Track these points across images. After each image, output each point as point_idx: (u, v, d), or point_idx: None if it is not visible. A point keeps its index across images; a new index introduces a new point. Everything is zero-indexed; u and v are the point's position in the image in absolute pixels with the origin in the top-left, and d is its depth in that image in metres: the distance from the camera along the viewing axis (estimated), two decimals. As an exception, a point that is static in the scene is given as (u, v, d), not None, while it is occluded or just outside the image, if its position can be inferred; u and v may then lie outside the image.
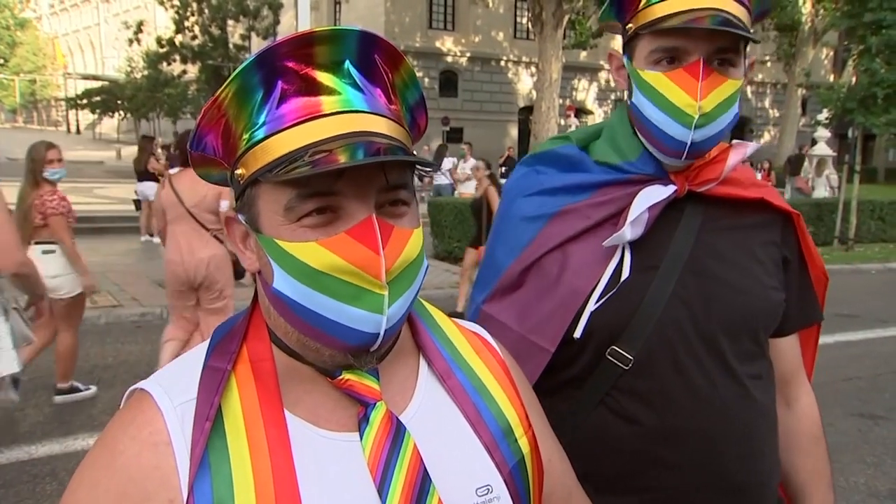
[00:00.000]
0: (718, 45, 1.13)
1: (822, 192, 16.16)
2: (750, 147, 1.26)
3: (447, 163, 15.51)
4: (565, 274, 1.23)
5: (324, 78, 0.73)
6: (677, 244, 1.22)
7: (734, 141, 1.27)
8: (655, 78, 1.17)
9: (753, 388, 1.22)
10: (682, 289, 1.19)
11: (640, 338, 1.18)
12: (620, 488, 1.20)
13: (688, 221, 1.24)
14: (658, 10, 1.17)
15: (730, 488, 1.20)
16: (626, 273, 1.19)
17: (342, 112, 0.73)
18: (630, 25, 1.23)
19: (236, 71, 0.72)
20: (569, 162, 1.32)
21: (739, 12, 1.15)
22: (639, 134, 1.25)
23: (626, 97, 1.29)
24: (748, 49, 1.21)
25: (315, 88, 0.73)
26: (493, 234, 1.40)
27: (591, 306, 1.19)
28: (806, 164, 17.25)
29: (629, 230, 1.18)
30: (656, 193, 1.20)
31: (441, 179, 15.58)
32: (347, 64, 0.74)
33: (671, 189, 1.21)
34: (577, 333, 1.20)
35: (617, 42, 1.31)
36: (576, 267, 1.23)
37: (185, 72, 30.68)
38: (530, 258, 1.27)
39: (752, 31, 1.18)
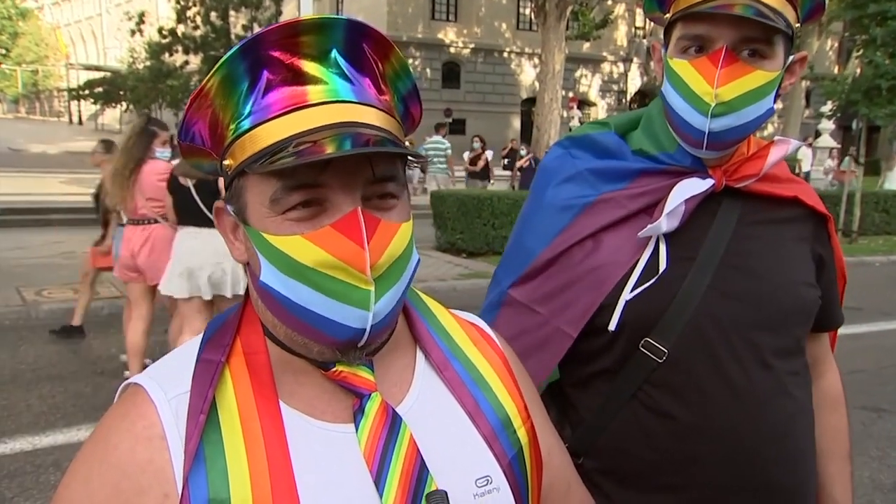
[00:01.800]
0: (745, 35, 1.10)
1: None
2: (793, 144, 1.23)
3: (487, 154, 16.34)
4: (596, 262, 1.21)
5: (310, 67, 0.73)
6: (714, 237, 1.20)
7: (776, 137, 1.24)
8: (680, 66, 1.15)
9: (792, 385, 1.19)
10: (719, 282, 1.17)
11: (675, 330, 1.15)
12: (648, 485, 1.18)
13: (725, 215, 1.21)
14: None
15: (768, 489, 1.17)
16: (663, 264, 1.17)
17: (329, 102, 0.72)
18: (667, 15, 1.21)
19: (221, 60, 0.71)
20: (606, 149, 1.30)
21: (779, 4, 1.12)
22: (668, 124, 1.23)
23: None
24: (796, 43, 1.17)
25: (301, 78, 0.72)
26: (523, 218, 1.37)
27: (626, 296, 1.17)
28: (847, 158, 16.91)
29: (665, 221, 1.16)
30: (694, 186, 1.18)
31: None
32: (335, 53, 0.73)
33: (709, 182, 1.19)
34: (612, 326, 1.17)
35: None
36: (607, 255, 1.21)
37: (187, 63, 30.59)
38: (562, 246, 1.24)
39: (795, 26, 1.15)
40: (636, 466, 1.18)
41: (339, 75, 0.73)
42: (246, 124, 0.73)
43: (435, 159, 14.50)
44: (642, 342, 1.16)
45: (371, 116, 0.74)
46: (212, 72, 0.72)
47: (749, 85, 1.11)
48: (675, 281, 1.17)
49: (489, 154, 16.01)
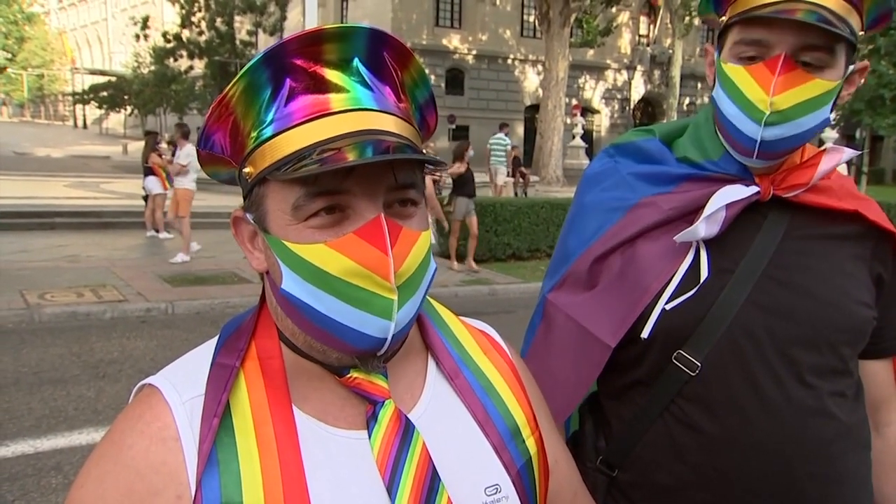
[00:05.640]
0: (806, 42, 1.05)
1: None
2: (846, 153, 1.17)
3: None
4: (635, 269, 1.18)
5: (332, 76, 0.73)
6: (757, 249, 1.15)
7: (829, 145, 1.19)
8: (735, 71, 1.11)
9: (835, 407, 1.13)
10: (758, 295, 1.13)
11: (709, 343, 1.12)
12: (680, 499, 1.15)
13: (771, 227, 1.17)
14: (751, 1, 1.11)
15: None
16: (704, 273, 1.13)
17: (351, 110, 0.73)
18: (723, 18, 1.18)
19: (244, 68, 0.72)
20: (648, 156, 1.28)
21: (843, 10, 1.07)
22: (717, 130, 1.20)
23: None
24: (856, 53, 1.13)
25: (324, 86, 0.73)
26: (568, 222, 1.36)
27: (662, 305, 1.14)
28: None
29: (703, 227, 1.12)
30: (736, 192, 1.14)
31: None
32: (356, 61, 0.74)
33: (753, 190, 1.15)
34: (645, 334, 1.14)
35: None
36: (646, 263, 1.18)
37: (191, 67, 30.71)
38: (601, 249, 1.22)
39: (860, 33, 1.11)
40: (668, 481, 1.15)
41: (360, 83, 0.74)
42: (268, 132, 0.73)
43: (500, 152, 17.70)
44: (675, 354, 1.13)
45: (391, 124, 0.74)
46: (235, 80, 0.72)
47: (807, 94, 1.07)
48: (713, 293, 1.13)
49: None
